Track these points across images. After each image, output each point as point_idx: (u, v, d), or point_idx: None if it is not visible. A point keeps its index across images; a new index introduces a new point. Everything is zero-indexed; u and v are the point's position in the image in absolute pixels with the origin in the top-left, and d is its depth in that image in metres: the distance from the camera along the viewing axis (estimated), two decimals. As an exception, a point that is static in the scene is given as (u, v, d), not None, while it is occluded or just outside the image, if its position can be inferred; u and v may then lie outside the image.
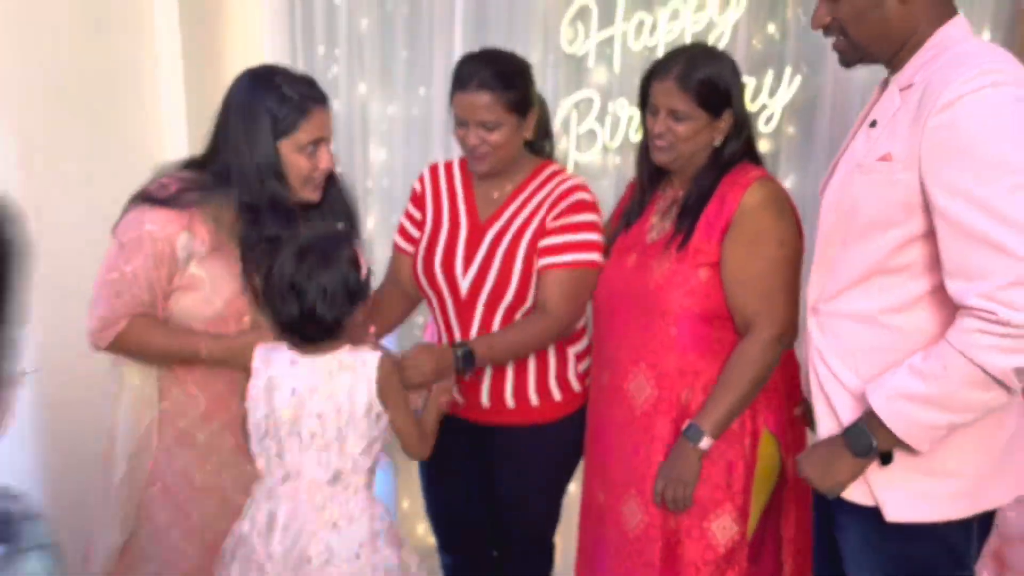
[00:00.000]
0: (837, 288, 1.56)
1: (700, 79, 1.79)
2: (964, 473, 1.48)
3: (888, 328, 1.49)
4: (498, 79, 1.90)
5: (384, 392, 1.67)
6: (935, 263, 1.42)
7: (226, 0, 3.05)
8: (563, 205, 1.96)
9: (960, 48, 1.42)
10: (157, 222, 1.73)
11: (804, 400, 1.83)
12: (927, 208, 1.39)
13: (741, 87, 1.89)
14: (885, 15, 1.45)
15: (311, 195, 1.83)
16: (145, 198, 1.76)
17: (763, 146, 2.80)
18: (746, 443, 1.82)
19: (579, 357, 2.08)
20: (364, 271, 1.71)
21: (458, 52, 2.98)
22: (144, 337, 1.77)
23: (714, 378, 1.81)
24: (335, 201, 1.91)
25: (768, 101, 2.81)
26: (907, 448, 1.43)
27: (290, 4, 3.06)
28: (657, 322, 1.85)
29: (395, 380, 1.70)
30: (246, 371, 1.73)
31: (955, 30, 1.45)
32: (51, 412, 2.27)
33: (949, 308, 1.41)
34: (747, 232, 1.76)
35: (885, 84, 1.56)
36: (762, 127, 2.82)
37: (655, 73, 1.87)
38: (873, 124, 1.49)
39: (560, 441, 2.08)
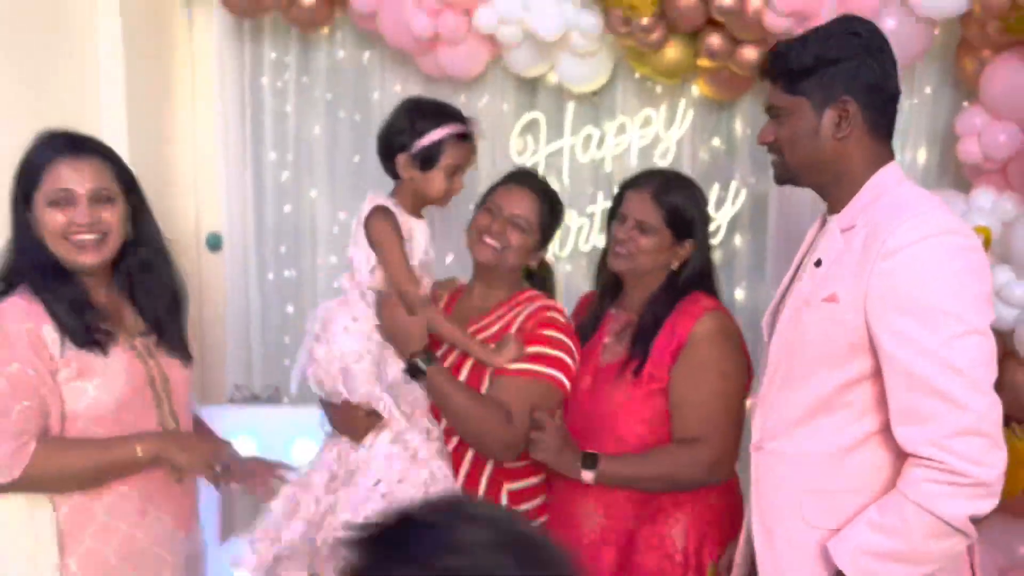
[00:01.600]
0: (781, 427, 1.54)
1: (674, 201, 1.85)
2: None
3: (834, 469, 1.47)
4: (546, 194, 1.95)
5: None
6: (880, 403, 1.42)
7: (177, 111, 3.04)
8: (536, 319, 1.86)
9: (898, 192, 1.46)
10: (11, 308, 1.58)
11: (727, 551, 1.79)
12: (873, 348, 1.40)
13: (707, 224, 1.94)
14: (819, 145, 1.48)
15: (74, 256, 1.63)
16: None
17: (711, 257, 2.82)
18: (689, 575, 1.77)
19: (516, 497, 1.89)
20: None
21: (409, 160, 3.01)
22: (59, 456, 1.57)
23: (664, 506, 1.78)
24: (158, 275, 1.75)
25: (715, 214, 2.84)
26: None
27: (241, 112, 3.07)
28: (609, 448, 1.80)
29: None
30: (187, 466, 1.68)
31: (891, 175, 1.49)
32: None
33: (894, 448, 1.41)
34: (693, 361, 1.78)
35: (823, 220, 1.59)
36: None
37: (633, 183, 1.92)
38: (818, 263, 1.50)
39: None
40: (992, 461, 1.31)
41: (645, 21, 2.34)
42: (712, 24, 2.39)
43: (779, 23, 2.26)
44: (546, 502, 1.92)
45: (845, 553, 1.39)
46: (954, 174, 2.67)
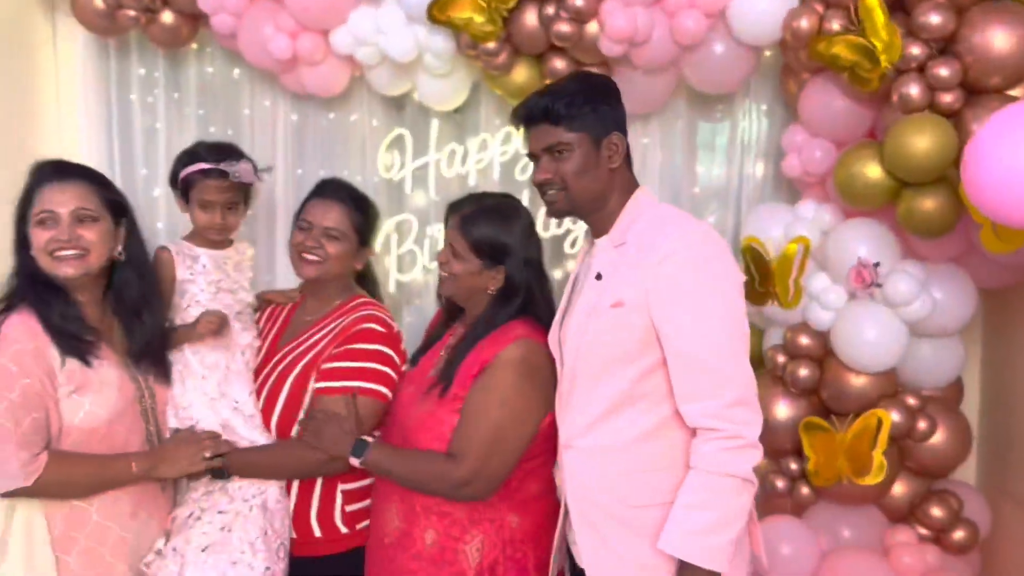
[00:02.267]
0: (588, 422, 1.70)
1: (478, 233, 1.86)
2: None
3: (641, 453, 1.66)
4: (354, 200, 2.06)
5: None
6: (671, 389, 1.63)
7: (40, 125, 3.01)
8: (351, 332, 1.96)
9: (656, 211, 1.73)
10: (15, 326, 1.72)
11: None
12: (659, 342, 1.62)
13: (526, 250, 1.89)
14: (599, 175, 1.71)
15: (56, 268, 1.77)
16: None
17: (571, 265, 2.96)
18: None
19: (350, 496, 1.98)
20: None
21: (280, 175, 3.05)
22: (66, 468, 1.73)
23: (459, 519, 1.80)
24: (140, 297, 1.89)
25: (573, 226, 2.98)
26: None
27: (107, 127, 3.06)
28: None
29: None
30: (179, 474, 1.87)
31: (645, 197, 1.75)
32: None
33: (688, 427, 1.62)
34: (484, 380, 1.79)
35: (591, 244, 1.81)
36: (568, 249, 2.98)
37: (452, 208, 1.97)
38: (599, 277, 1.70)
39: None
40: (755, 422, 1.60)
41: (491, 45, 2.45)
42: (555, 49, 2.53)
43: (613, 48, 2.41)
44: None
45: (678, 542, 1.57)
46: (787, 186, 2.88)
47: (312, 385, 1.95)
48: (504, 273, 1.88)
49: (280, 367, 2.00)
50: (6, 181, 2.68)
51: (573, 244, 2.99)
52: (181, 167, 2.02)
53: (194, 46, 3.03)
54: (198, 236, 2.07)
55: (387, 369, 1.95)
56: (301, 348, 2.01)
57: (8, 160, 2.77)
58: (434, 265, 3.07)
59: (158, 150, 3.11)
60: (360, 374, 1.92)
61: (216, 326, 1.93)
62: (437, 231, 3.06)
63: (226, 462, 1.88)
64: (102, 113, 3.06)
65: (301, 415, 1.95)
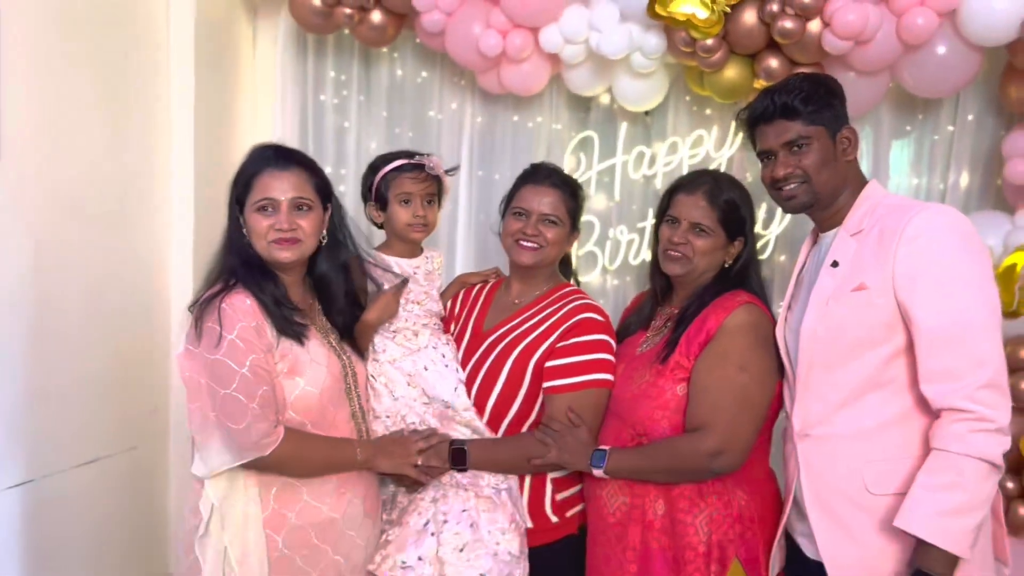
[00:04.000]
0: (828, 410, 1.70)
1: (727, 199, 1.92)
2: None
3: (886, 442, 1.65)
4: (567, 184, 2.06)
5: None
6: (916, 377, 1.61)
7: (239, 124, 3.13)
8: (571, 324, 1.96)
9: (891, 199, 1.76)
10: (237, 306, 1.72)
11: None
12: (905, 324, 1.62)
13: (754, 221, 2.00)
14: (837, 168, 1.76)
15: (273, 254, 1.79)
16: (209, 299, 1.75)
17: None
18: (712, 569, 1.78)
19: (559, 484, 1.97)
20: None
21: (464, 173, 3.12)
22: (301, 444, 1.76)
23: (685, 492, 1.81)
24: (341, 281, 1.92)
25: (762, 232, 2.93)
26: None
27: (302, 125, 3.16)
28: (624, 437, 1.86)
29: None
30: (391, 470, 1.89)
31: (877, 188, 1.79)
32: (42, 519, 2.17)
33: (932, 417, 1.60)
34: (717, 348, 1.81)
35: (815, 238, 1.87)
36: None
37: (683, 187, 1.98)
38: (835, 264, 1.72)
39: (542, 570, 1.96)
40: (1006, 406, 1.56)
41: (709, 42, 2.45)
42: (770, 47, 2.51)
43: (839, 46, 2.37)
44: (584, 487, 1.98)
45: (920, 522, 1.54)
46: (995, 197, 2.77)
47: (538, 384, 1.96)
48: (740, 246, 1.94)
49: (496, 351, 2.00)
50: (209, 175, 2.83)
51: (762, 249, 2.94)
52: (373, 175, 2.06)
53: (385, 49, 3.11)
54: (391, 245, 2.09)
55: (610, 356, 1.96)
56: (517, 332, 2.01)
57: (210, 156, 2.89)
58: (614, 267, 3.08)
59: (346, 149, 3.20)
60: (590, 367, 1.93)
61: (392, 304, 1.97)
62: (619, 234, 3.06)
63: (468, 451, 1.90)
64: (296, 113, 3.16)
65: (516, 403, 1.96)
